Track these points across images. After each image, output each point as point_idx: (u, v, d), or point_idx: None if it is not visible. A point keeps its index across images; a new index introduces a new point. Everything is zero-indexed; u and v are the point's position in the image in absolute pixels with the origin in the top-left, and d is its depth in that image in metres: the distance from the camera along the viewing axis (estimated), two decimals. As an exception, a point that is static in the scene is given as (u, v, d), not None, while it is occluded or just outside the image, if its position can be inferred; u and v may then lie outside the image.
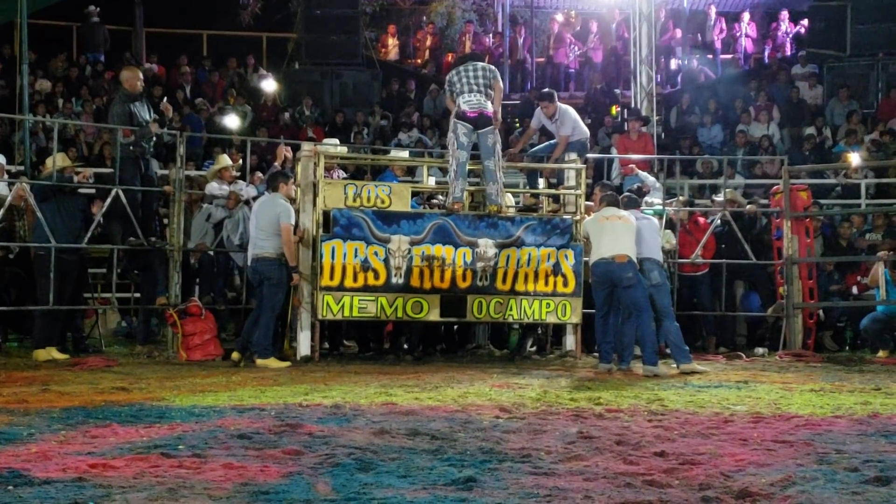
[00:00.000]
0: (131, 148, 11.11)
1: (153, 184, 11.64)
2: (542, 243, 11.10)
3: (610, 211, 10.35)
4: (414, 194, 11.55)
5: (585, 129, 12.39)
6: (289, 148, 12.25)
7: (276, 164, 11.93)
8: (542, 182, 12.14)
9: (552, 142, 12.27)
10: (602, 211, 10.43)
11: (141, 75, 11.94)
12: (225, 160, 12.38)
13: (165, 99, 12.97)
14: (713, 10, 24.11)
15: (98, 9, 21.42)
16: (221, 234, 12.04)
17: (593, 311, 10.64)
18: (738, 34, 24.01)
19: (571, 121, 11.94)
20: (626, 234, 10.09)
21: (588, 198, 11.70)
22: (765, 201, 13.99)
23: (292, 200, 10.74)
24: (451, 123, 10.98)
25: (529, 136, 12.67)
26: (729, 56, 23.80)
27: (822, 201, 15.03)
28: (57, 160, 10.96)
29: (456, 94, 10.96)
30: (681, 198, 13.09)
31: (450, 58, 24.16)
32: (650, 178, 12.95)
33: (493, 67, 11.35)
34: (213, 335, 11.15)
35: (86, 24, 21.57)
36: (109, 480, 4.44)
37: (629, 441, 5.66)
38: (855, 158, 14.89)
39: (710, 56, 23.50)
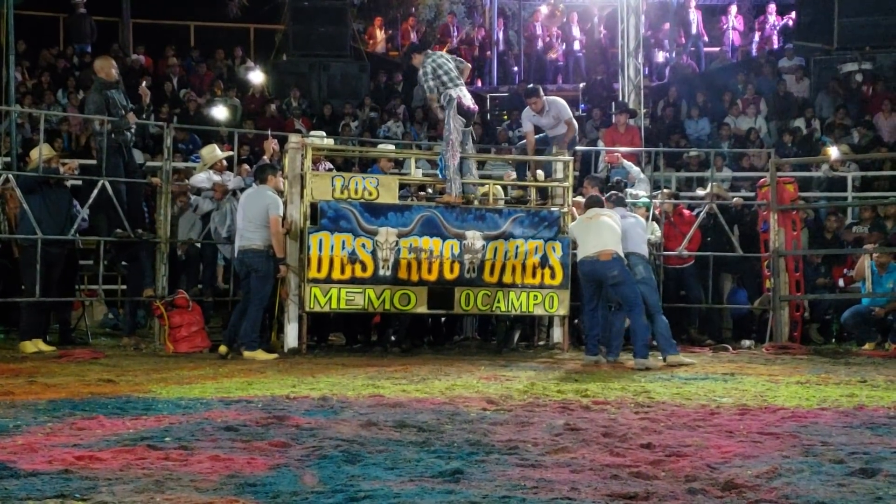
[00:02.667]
0: (112, 136, 11.06)
1: (137, 175, 11.60)
2: (530, 236, 11.12)
3: (594, 211, 10.35)
4: (402, 186, 11.54)
5: (574, 121, 12.45)
6: (276, 140, 12.20)
7: (265, 157, 11.90)
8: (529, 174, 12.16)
9: (542, 134, 12.28)
10: (587, 213, 10.45)
11: (114, 63, 11.90)
12: (220, 153, 12.30)
13: (144, 84, 12.87)
14: (693, 3, 24.15)
15: (85, 0, 21.32)
16: (209, 226, 12.01)
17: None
18: (724, 27, 24.04)
19: (565, 107, 12.00)
20: (610, 232, 10.08)
21: (577, 190, 11.71)
22: (751, 194, 14.02)
23: (280, 192, 10.72)
24: (449, 117, 10.87)
25: (533, 145, 12.44)
26: (716, 49, 23.84)
27: (810, 194, 15.09)
28: (39, 152, 10.91)
29: (448, 84, 10.90)
30: (666, 190, 13.12)
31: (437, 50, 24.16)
32: (635, 169, 12.97)
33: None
34: (201, 327, 11.14)
35: (73, 15, 21.47)
36: (96, 472, 4.43)
37: (616, 433, 5.67)
38: (834, 152, 14.93)
39: (693, 49, 23.54)
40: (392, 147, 13.07)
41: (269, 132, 12.97)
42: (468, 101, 10.94)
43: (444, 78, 10.90)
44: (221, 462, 4.68)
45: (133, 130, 11.43)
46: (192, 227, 12.16)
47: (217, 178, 12.02)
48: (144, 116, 12.10)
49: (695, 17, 23.86)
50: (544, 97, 12.08)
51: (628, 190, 12.07)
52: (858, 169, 16.09)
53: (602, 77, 21.74)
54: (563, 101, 12.18)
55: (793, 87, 19.67)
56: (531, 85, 13.15)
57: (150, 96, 12.36)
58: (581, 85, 22.42)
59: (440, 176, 11.32)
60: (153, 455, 4.83)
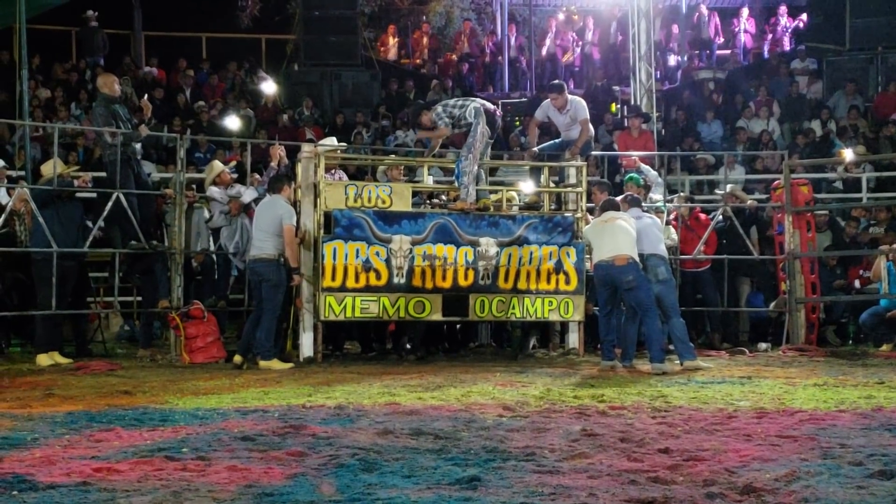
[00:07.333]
0: (122, 148, 11.07)
1: (147, 186, 11.62)
2: (545, 241, 11.11)
3: (609, 214, 10.32)
4: (415, 194, 11.54)
5: (591, 126, 12.43)
6: (282, 147, 12.11)
7: (272, 164, 11.85)
8: (543, 179, 12.14)
9: (557, 140, 12.28)
10: (602, 216, 10.42)
11: (117, 79, 11.92)
12: (218, 166, 12.30)
13: (146, 96, 12.89)
14: (704, 7, 24.09)
15: (96, 13, 21.41)
16: (220, 241, 12.01)
17: (596, 307, 10.64)
18: (736, 29, 24.01)
19: (584, 108, 12.00)
20: (625, 235, 10.04)
21: (588, 198, 11.68)
22: (765, 196, 13.97)
23: (294, 202, 10.73)
24: (477, 125, 10.89)
25: (535, 132, 12.53)
26: (727, 52, 23.80)
27: (826, 196, 15.02)
28: (54, 166, 10.94)
29: (465, 104, 11.13)
30: (682, 193, 13.07)
31: (449, 57, 24.19)
32: (652, 173, 12.90)
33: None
34: (216, 337, 11.15)
35: (84, 28, 21.56)
36: (114, 484, 4.44)
37: (633, 438, 5.65)
38: (849, 154, 14.88)
39: (707, 52, 23.52)
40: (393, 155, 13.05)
41: (277, 140, 12.94)
42: (491, 105, 11.20)
43: (457, 110, 11.04)
44: (239, 472, 4.69)
45: (141, 142, 11.44)
46: (199, 236, 12.18)
47: (231, 191, 11.98)
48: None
49: (707, 19, 23.83)
50: (568, 95, 12.07)
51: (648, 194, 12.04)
52: (873, 170, 16.04)
53: (602, 83, 21.69)
54: (583, 102, 12.15)
55: (806, 89, 19.61)
56: (557, 81, 13.24)
57: (151, 109, 12.36)
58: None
59: (456, 182, 11.23)
60: (171, 466, 4.84)
